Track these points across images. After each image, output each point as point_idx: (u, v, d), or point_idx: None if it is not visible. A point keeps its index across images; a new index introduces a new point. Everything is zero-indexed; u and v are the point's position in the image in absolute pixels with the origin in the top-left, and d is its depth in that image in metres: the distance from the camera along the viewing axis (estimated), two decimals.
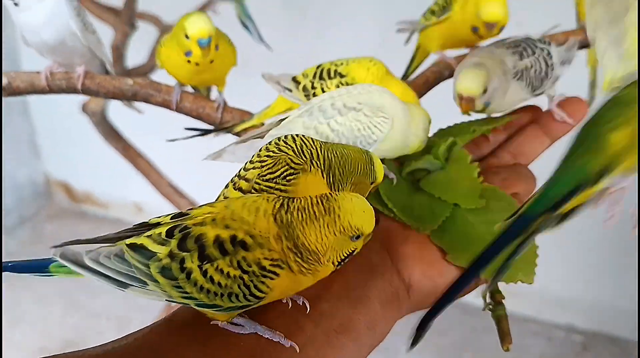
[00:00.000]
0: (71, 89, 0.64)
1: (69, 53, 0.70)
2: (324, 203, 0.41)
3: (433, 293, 0.50)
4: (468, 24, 0.70)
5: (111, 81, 0.64)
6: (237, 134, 0.63)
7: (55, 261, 0.45)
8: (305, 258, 0.41)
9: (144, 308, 1.99)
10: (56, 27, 0.67)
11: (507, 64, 0.59)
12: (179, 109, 0.64)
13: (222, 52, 0.71)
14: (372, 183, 0.49)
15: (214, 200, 0.60)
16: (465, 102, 0.57)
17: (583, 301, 2.02)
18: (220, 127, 0.64)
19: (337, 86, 0.66)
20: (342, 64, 0.67)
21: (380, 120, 0.52)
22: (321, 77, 0.67)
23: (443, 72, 0.72)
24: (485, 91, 0.56)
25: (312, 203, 0.41)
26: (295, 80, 0.69)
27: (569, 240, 1.93)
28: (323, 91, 0.66)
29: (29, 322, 2.02)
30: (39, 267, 0.46)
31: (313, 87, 0.67)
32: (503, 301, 0.51)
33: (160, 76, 1.50)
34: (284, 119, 0.56)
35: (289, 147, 0.47)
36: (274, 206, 0.41)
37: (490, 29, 0.69)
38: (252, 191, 0.46)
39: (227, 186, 0.49)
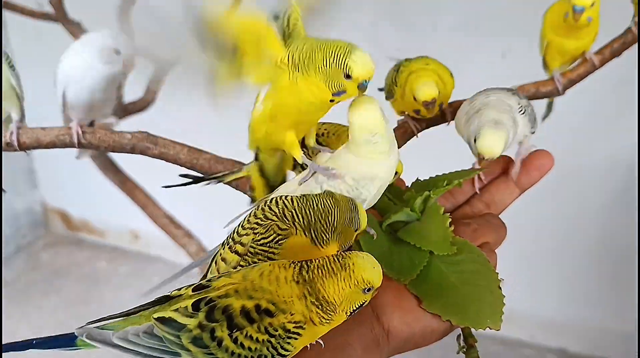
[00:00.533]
0: (74, 144, 0.67)
1: (101, 108, 0.74)
2: (340, 261, 0.47)
3: (411, 339, 0.53)
4: (410, 108, 0.74)
5: (111, 135, 0.68)
6: (229, 183, 0.66)
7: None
8: (324, 309, 0.46)
9: None
10: (112, 85, 0.72)
11: (511, 104, 0.61)
12: (173, 161, 0.67)
13: None
14: (356, 230, 0.52)
15: (209, 230, 0.64)
16: (486, 163, 0.59)
17: (575, 325, 2.04)
18: (212, 177, 0.67)
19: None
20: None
21: (363, 189, 0.55)
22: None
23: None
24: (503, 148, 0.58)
25: (329, 261, 0.47)
26: None
27: (561, 265, 1.96)
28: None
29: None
30: (65, 343, 0.50)
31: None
32: (475, 344, 0.54)
33: (156, 110, 1.54)
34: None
35: (273, 213, 0.52)
36: (294, 270, 0.47)
37: (429, 106, 0.72)
38: (248, 254, 0.51)
39: (222, 247, 0.53)
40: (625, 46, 0.73)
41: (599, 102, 1.78)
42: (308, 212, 0.51)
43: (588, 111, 1.79)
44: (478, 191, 0.63)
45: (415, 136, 0.77)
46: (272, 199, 0.52)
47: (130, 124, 1.29)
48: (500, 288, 0.54)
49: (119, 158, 1.48)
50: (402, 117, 0.78)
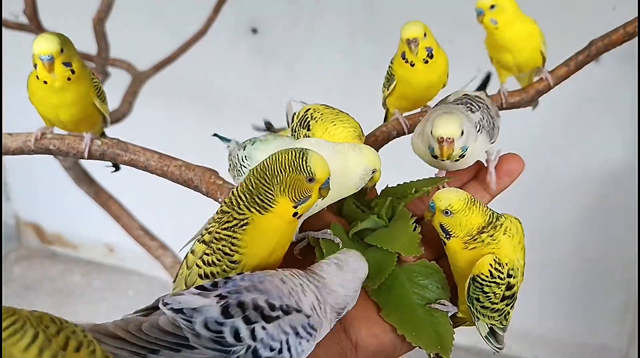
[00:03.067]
0: (42, 150, 0.66)
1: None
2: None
3: (381, 351, 0.53)
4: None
5: (80, 141, 0.67)
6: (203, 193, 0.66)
7: None
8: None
9: None
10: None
11: (469, 117, 0.62)
12: (144, 168, 0.67)
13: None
14: (310, 180, 0.51)
15: (184, 242, 0.64)
16: (447, 144, 0.57)
17: (550, 336, 2.06)
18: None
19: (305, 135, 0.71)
20: (316, 117, 0.71)
21: None
22: (301, 124, 0.72)
23: (391, 132, 0.76)
24: (462, 133, 0.58)
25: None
26: (293, 117, 0.75)
27: (536, 279, 1.98)
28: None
29: None
30: None
31: (294, 132, 0.73)
32: None
33: (132, 121, 1.53)
34: None
35: (231, 204, 0.52)
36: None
37: (413, 44, 0.76)
38: (214, 240, 0.52)
39: (193, 244, 0.55)
40: (589, 58, 0.75)
41: (573, 117, 1.81)
42: (252, 182, 0.51)
43: (563, 125, 1.82)
44: None
45: (390, 140, 0.78)
46: (234, 192, 0.53)
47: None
48: (451, 324, 0.55)
49: (93, 169, 1.47)
50: (395, 113, 0.79)
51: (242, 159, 0.66)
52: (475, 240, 0.54)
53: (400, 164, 0.65)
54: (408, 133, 0.79)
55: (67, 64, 0.70)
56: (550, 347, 2.07)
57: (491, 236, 0.54)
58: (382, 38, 1.93)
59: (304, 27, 1.93)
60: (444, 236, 0.55)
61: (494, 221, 0.55)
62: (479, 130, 0.61)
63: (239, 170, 0.66)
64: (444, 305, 0.56)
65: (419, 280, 0.56)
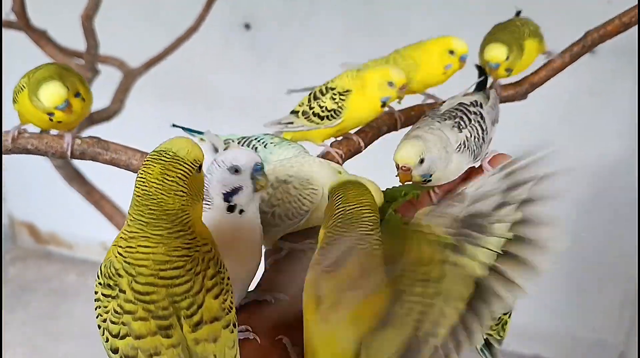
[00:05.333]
0: (20, 150, 0.64)
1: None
2: None
3: None
4: (378, 98, 0.75)
5: (59, 140, 0.65)
6: None
7: None
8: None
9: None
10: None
11: (449, 137, 0.60)
12: (125, 167, 0.65)
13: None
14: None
15: None
16: (402, 172, 0.58)
17: (548, 332, 2.05)
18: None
19: (332, 98, 0.75)
20: (329, 82, 0.78)
21: (310, 191, 0.54)
22: (315, 98, 0.76)
23: (381, 128, 0.76)
24: (422, 162, 0.57)
25: None
26: (294, 112, 0.78)
27: None
28: (321, 108, 0.75)
29: None
30: None
31: (311, 108, 0.76)
32: None
33: (123, 120, 1.52)
34: None
35: None
36: None
37: (402, 91, 0.75)
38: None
39: None
40: (584, 49, 0.73)
41: (570, 110, 1.80)
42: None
43: (559, 119, 1.81)
44: (435, 202, 0.63)
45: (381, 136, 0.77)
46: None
47: (94, 134, 1.27)
48: None
49: (85, 167, 1.45)
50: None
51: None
52: None
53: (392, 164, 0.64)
54: (399, 128, 0.78)
55: (77, 94, 0.69)
56: (548, 343, 2.06)
57: None
58: (378, 33, 1.92)
59: (299, 22, 1.92)
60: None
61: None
62: (460, 150, 0.60)
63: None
64: None
65: None
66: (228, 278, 0.44)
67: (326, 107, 0.75)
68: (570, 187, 1.86)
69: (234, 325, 0.42)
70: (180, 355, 0.40)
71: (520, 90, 0.76)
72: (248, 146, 0.66)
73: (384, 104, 0.75)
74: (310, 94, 0.78)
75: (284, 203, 0.55)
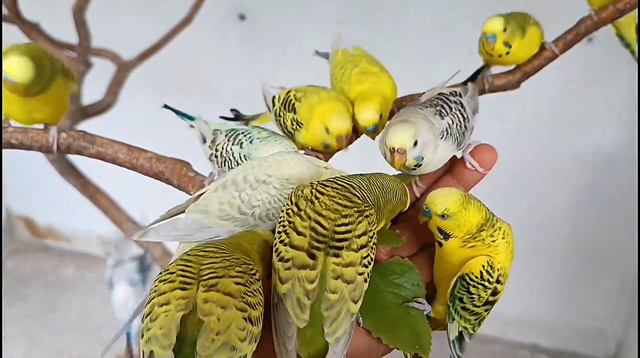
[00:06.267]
0: (4, 145, 0.63)
1: None
2: None
3: (356, 356, 0.50)
4: (318, 141, 0.70)
5: (44, 134, 0.64)
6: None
7: None
8: None
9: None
10: None
11: (433, 123, 0.59)
12: (112, 161, 0.64)
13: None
14: (402, 210, 0.54)
15: None
16: (399, 155, 0.56)
17: (546, 321, 2.06)
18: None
19: (291, 122, 0.71)
20: (302, 94, 0.71)
21: (290, 191, 0.54)
22: (286, 107, 0.72)
23: None
24: (415, 144, 0.56)
25: None
26: (273, 101, 0.74)
27: (531, 263, 1.97)
28: (284, 123, 0.72)
29: None
30: None
31: (279, 116, 0.73)
32: None
33: (117, 112, 1.51)
34: (202, 193, 0.57)
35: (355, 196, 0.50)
36: None
37: (341, 142, 0.69)
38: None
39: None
40: (578, 37, 0.72)
41: (566, 99, 1.79)
42: (374, 191, 0.51)
43: (555, 108, 1.80)
44: (418, 196, 0.62)
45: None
46: (348, 185, 0.50)
47: (88, 127, 1.26)
48: (428, 322, 0.53)
49: (79, 160, 1.45)
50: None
51: (240, 157, 0.65)
52: (475, 238, 0.52)
53: (376, 161, 0.62)
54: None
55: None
56: (546, 332, 2.06)
57: (491, 236, 0.52)
58: (374, 23, 1.90)
59: (294, 12, 1.90)
60: (442, 238, 0.53)
61: (491, 218, 0.53)
62: (443, 137, 0.59)
63: (230, 166, 0.66)
64: (420, 303, 0.54)
65: (394, 279, 0.54)
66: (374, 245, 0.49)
67: (286, 126, 0.72)
68: (567, 176, 1.86)
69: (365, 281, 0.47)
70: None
71: (513, 79, 0.74)
72: (235, 140, 0.65)
73: (326, 147, 0.69)
74: (286, 95, 0.73)
75: (264, 204, 0.55)
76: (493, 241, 0.52)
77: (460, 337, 0.55)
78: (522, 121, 1.82)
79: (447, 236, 0.53)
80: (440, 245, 0.54)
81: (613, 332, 1.98)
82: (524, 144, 1.82)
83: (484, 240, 0.52)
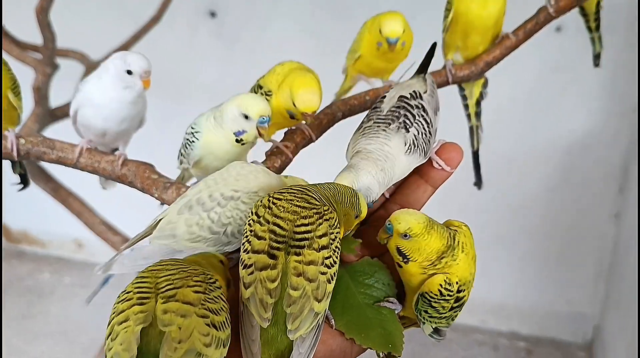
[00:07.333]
0: None
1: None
2: None
3: (329, 357, 0.50)
4: (283, 110, 0.72)
5: (4, 141, 0.62)
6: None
7: None
8: None
9: (85, 351, 1.94)
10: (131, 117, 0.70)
11: (394, 146, 0.58)
12: (73, 166, 0.63)
13: None
14: (356, 217, 0.53)
15: None
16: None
17: (525, 308, 2.08)
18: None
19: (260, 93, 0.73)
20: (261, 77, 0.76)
21: None
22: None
23: (336, 114, 0.73)
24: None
25: None
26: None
27: (508, 250, 1.99)
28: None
29: None
30: None
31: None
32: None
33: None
34: (161, 218, 0.56)
35: (315, 198, 0.51)
36: None
37: (307, 117, 0.70)
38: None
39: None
40: (538, 26, 0.73)
41: (537, 87, 1.81)
42: (325, 194, 0.51)
43: (528, 96, 1.82)
44: (387, 197, 0.62)
45: (335, 123, 0.75)
46: (304, 189, 0.50)
47: (55, 131, 1.24)
48: (400, 321, 0.54)
49: (49, 164, 1.42)
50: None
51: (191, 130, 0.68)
52: (434, 265, 0.52)
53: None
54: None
55: None
56: (524, 318, 2.08)
57: (453, 258, 0.52)
58: (346, 15, 1.90)
59: (264, 7, 1.89)
60: (401, 260, 0.53)
61: (452, 243, 0.53)
62: (410, 151, 0.58)
63: (188, 145, 0.68)
64: (392, 302, 0.54)
65: (364, 280, 0.54)
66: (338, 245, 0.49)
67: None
68: (542, 163, 1.88)
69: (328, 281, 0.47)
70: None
71: (476, 69, 0.75)
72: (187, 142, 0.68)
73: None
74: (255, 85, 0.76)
75: (235, 220, 0.54)
76: (454, 260, 0.52)
77: (436, 330, 0.56)
78: (496, 110, 1.83)
79: (406, 259, 0.52)
80: (400, 266, 0.53)
81: (591, 315, 2.01)
82: (499, 132, 1.83)
83: (443, 266, 0.52)
